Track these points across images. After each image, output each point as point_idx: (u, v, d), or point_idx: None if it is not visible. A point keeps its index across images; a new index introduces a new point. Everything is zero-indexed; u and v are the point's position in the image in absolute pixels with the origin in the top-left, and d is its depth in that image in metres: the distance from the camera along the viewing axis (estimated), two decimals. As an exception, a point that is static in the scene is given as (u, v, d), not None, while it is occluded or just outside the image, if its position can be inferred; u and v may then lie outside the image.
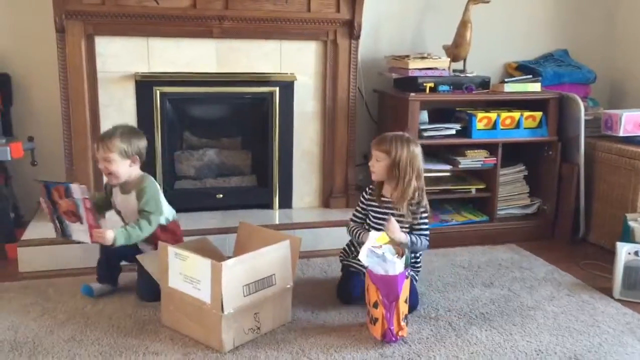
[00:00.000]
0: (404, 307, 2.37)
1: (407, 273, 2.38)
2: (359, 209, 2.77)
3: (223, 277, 2.16)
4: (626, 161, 3.27)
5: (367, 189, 2.75)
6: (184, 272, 2.28)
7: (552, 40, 3.99)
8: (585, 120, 3.49)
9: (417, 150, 2.59)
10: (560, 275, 3.08)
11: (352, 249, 2.77)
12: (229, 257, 2.45)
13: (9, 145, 3.02)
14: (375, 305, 2.36)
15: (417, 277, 2.76)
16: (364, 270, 2.48)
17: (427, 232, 2.68)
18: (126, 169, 2.59)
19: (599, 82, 3.87)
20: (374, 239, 2.46)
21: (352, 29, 3.35)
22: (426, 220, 2.68)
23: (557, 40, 3.99)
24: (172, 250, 2.32)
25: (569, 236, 3.59)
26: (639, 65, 3.88)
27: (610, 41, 4.04)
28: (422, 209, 2.65)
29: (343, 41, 3.38)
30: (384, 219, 2.62)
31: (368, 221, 2.72)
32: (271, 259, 2.37)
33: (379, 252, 2.38)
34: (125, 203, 2.66)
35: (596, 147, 3.48)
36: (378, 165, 2.61)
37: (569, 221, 3.59)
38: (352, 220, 2.78)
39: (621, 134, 3.38)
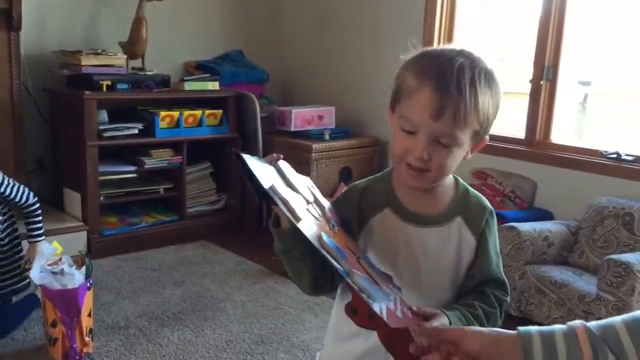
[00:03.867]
0: (87, 322, 2.20)
1: (89, 284, 2.21)
2: None
3: None
4: (298, 153, 3.57)
5: None
6: None
7: (227, 40, 4.14)
8: (261, 117, 3.72)
9: None
10: (248, 265, 3.23)
11: None
12: None
13: None
14: (54, 324, 2.14)
15: None
16: None
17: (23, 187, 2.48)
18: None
19: (272, 81, 4.15)
20: (49, 254, 2.23)
21: (10, 19, 2.97)
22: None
23: (232, 41, 4.16)
24: None
25: (255, 227, 3.78)
26: (303, 64, 4.28)
27: (277, 42, 4.36)
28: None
29: (1, 33, 2.98)
30: None
31: None
32: None
33: (57, 269, 2.16)
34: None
35: (273, 142, 3.73)
36: None
37: (254, 213, 3.79)
38: None
39: (292, 129, 3.69)
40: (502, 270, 1.14)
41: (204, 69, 3.89)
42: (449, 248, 1.10)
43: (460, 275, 1.11)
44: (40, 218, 2.50)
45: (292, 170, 1.05)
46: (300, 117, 3.71)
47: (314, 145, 3.52)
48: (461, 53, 1.02)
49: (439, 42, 3.40)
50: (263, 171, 0.97)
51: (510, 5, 3.48)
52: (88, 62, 3.24)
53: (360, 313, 0.99)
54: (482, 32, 3.57)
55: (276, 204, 0.94)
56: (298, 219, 0.94)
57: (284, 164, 1.03)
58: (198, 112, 3.56)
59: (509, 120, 3.37)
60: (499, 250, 1.15)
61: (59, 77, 3.36)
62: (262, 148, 3.69)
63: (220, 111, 3.66)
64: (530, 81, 3.12)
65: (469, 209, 1.12)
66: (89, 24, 3.56)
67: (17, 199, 2.42)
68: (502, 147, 3.20)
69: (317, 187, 1.09)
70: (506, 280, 1.14)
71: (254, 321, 2.57)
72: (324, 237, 0.95)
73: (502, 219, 2.80)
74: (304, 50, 4.26)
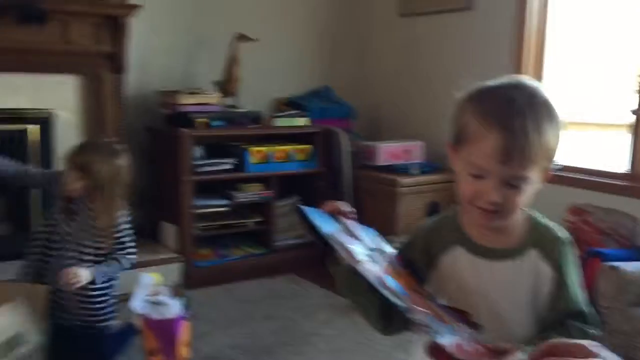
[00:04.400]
0: (185, 352, 2.26)
1: (187, 314, 2.28)
2: (38, 236, 2.20)
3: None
4: (384, 188, 3.57)
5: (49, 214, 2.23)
6: None
7: (316, 77, 4.23)
8: (350, 152, 3.75)
9: (123, 163, 2.16)
10: (336, 299, 3.20)
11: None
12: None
13: None
14: (154, 354, 2.21)
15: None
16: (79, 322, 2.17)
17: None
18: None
19: (360, 116, 4.19)
20: (148, 284, 2.32)
21: (116, 62, 3.19)
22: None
23: (321, 77, 4.25)
24: None
25: (342, 261, 3.77)
26: (387, 100, 4.30)
27: (364, 77, 4.41)
28: (123, 225, 2.20)
29: (107, 75, 3.20)
30: (68, 243, 2.13)
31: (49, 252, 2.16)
32: None
33: (155, 299, 2.25)
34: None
35: (360, 177, 3.75)
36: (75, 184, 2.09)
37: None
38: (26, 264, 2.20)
39: (379, 163, 3.70)
40: (586, 302, 1.08)
41: (293, 105, 3.99)
42: (524, 282, 1.07)
43: (540, 309, 1.07)
44: (116, 270, 2.18)
45: (354, 221, 1.10)
46: (386, 152, 3.71)
47: (400, 180, 3.51)
48: (519, 87, 1.01)
49: (530, 71, 3.35)
50: (323, 221, 1.03)
51: (606, 34, 3.35)
52: (185, 101, 3.41)
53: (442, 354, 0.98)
54: (575, 60, 3.44)
55: (336, 250, 0.98)
56: (356, 262, 0.97)
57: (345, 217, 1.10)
58: (287, 148, 3.65)
59: (609, 153, 3.22)
60: (581, 281, 1.10)
61: (159, 115, 3.55)
62: (352, 183, 3.71)
63: (309, 146, 3.72)
64: (633, 112, 2.97)
65: (543, 240, 1.09)
66: (186, 64, 3.75)
67: (119, 247, 2.19)
68: (602, 182, 3.05)
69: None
70: (592, 312, 1.08)
71: (344, 356, 2.55)
72: (386, 278, 0.97)
73: (602, 257, 2.66)
74: (391, 85, 4.28)
